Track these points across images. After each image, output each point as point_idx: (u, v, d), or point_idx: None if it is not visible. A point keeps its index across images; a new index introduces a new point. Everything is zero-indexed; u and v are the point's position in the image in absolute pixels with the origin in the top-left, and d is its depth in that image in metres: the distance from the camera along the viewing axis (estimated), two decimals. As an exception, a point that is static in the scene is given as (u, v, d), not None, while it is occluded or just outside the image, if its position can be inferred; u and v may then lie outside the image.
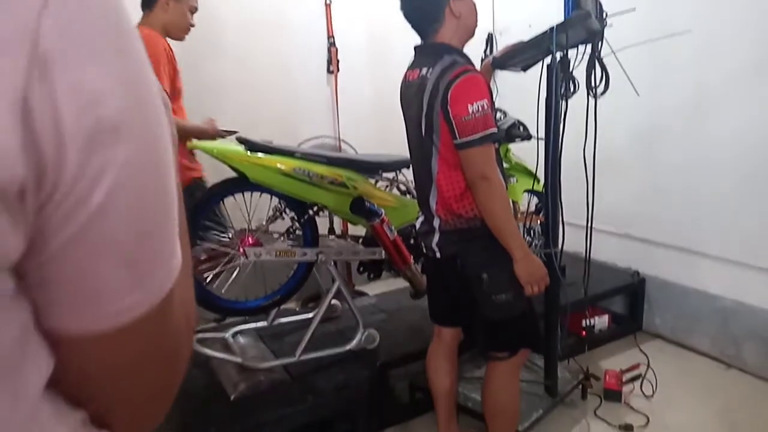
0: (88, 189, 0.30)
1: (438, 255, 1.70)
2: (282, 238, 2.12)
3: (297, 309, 2.66)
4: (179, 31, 2.30)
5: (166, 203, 0.35)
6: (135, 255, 0.33)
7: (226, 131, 2.32)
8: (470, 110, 1.47)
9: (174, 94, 2.24)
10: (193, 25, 2.33)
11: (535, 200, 2.67)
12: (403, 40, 2.94)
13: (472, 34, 1.64)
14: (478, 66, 1.65)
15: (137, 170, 0.32)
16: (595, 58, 1.74)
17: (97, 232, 0.31)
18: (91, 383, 0.36)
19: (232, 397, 1.89)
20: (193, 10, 2.31)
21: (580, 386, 2.31)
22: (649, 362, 2.42)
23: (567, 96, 1.83)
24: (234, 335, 2.23)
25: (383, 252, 2.14)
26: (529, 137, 2.10)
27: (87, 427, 0.37)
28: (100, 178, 0.30)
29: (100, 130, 0.29)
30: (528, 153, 2.30)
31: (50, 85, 0.27)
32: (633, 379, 2.38)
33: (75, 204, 0.30)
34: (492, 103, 1.54)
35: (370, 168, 2.17)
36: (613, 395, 2.31)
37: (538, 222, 2.58)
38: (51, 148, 0.28)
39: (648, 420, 2.17)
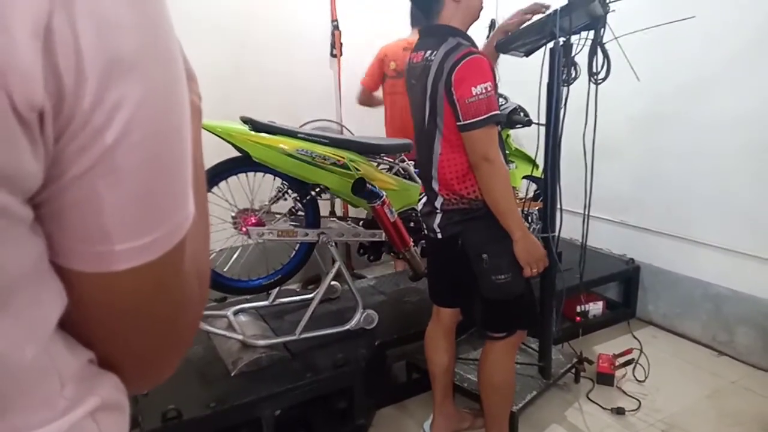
0: (103, 123, 0.30)
1: (439, 235, 1.72)
2: (284, 218, 2.14)
3: (297, 290, 2.69)
4: None
5: (179, 147, 0.35)
6: (146, 197, 0.33)
7: None
8: (474, 92, 1.48)
9: None
10: None
11: (533, 186, 2.69)
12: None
13: (477, 17, 1.65)
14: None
15: (153, 110, 0.32)
16: (597, 43, 1.75)
17: (109, 167, 0.31)
18: (98, 326, 0.37)
19: (232, 373, 1.92)
20: None
21: (574, 369, 2.35)
22: (641, 348, 2.46)
23: (568, 82, 1.85)
24: (235, 313, 2.25)
25: (383, 234, 2.16)
26: (529, 123, 2.11)
27: (93, 366, 0.38)
28: (116, 113, 0.30)
29: (119, 64, 0.30)
30: (527, 139, 2.32)
31: (72, 12, 0.28)
32: (626, 364, 2.42)
33: (90, 137, 0.30)
34: (495, 85, 1.56)
35: (372, 150, 2.19)
36: (605, 379, 2.35)
37: (536, 208, 2.60)
38: (70, 76, 0.28)
39: (639, 404, 2.22)
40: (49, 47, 0.27)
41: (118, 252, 0.33)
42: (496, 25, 3.40)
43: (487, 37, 3.42)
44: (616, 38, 1.77)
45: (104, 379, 0.38)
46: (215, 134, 1.86)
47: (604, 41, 1.78)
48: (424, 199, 1.80)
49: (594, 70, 1.82)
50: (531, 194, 2.69)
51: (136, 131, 0.31)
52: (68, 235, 0.33)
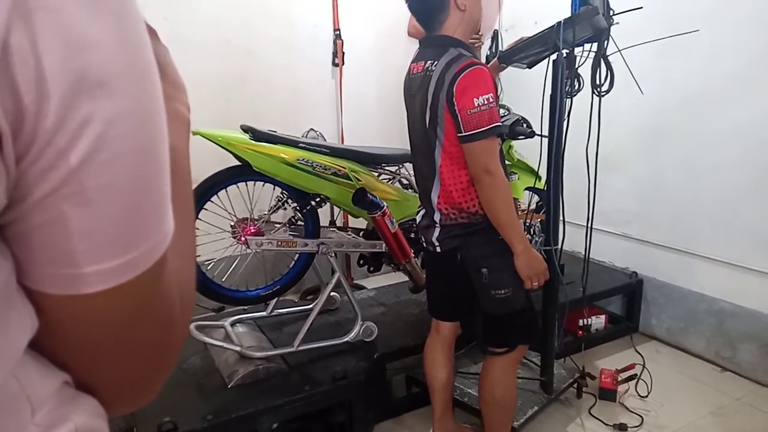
0: (68, 143, 0.28)
1: (438, 249, 1.70)
2: (284, 228, 2.12)
3: (296, 301, 2.67)
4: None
5: (154, 165, 0.33)
6: (118, 217, 0.32)
7: None
8: (476, 103, 1.47)
9: None
10: None
11: (535, 198, 2.67)
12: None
13: (476, 28, 1.64)
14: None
15: (124, 128, 0.30)
16: (600, 56, 1.74)
17: (77, 189, 0.29)
18: (73, 349, 0.35)
19: (229, 385, 1.90)
20: None
21: (576, 384, 2.32)
22: (644, 363, 2.43)
23: (572, 94, 1.84)
24: (233, 324, 2.23)
25: (384, 245, 2.14)
26: (532, 134, 2.10)
27: (69, 388, 0.36)
28: (82, 133, 0.28)
29: (86, 81, 0.28)
30: (529, 150, 2.31)
31: (32, 28, 0.26)
32: (628, 379, 2.39)
33: (54, 158, 0.28)
34: (497, 97, 1.55)
35: (373, 160, 2.18)
36: (608, 394, 2.32)
37: (538, 220, 2.58)
38: (30, 95, 0.27)
39: (642, 420, 2.18)
40: (5, 65, 0.26)
41: (87, 274, 0.31)
42: (499, 37, 3.42)
43: (489, 48, 3.44)
44: (619, 51, 1.77)
45: (80, 404, 0.36)
46: (216, 143, 1.85)
47: (607, 54, 1.77)
48: (422, 212, 1.78)
49: (597, 82, 1.81)
50: (533, 206, 2.67)
51: (105, 151, 0.29)
52: (36, 257, 0.31)
